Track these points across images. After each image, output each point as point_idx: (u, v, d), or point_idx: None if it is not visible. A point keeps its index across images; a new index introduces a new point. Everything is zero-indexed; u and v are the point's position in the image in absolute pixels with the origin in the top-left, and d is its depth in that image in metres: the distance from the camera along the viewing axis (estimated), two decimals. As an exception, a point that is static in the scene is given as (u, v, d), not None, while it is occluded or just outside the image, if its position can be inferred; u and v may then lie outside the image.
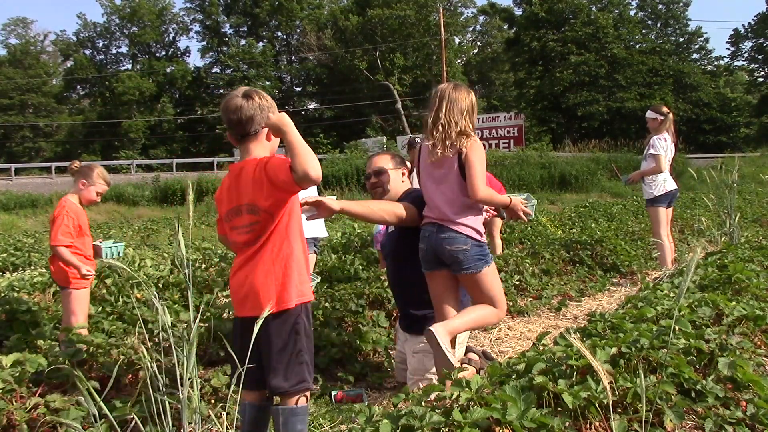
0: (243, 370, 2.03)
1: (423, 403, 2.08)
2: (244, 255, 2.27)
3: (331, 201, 2.69)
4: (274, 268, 2.22)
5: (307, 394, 2.29)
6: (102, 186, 3.82)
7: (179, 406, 2.07)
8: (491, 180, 6.73)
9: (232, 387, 2.03)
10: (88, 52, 48.73)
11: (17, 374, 2.53)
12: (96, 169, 3.83)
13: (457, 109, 2.81)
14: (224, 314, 4.04)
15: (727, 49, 44.94)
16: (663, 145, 5.50)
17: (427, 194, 2.94)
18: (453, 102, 2.82)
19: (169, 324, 2.02)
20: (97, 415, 1.91)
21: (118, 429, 2.18)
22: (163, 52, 49.81)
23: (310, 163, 2.05)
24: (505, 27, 47.33)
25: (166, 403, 2.05)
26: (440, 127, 2.80)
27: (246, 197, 2.24)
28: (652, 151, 5.52)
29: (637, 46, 39.63)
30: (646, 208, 5.97)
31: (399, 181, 3.26)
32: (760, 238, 5.69)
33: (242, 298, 2.27)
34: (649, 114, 5.71)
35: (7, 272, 7.00)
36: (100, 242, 4.01)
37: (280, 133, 2.19)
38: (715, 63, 43.37)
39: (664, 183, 5.57)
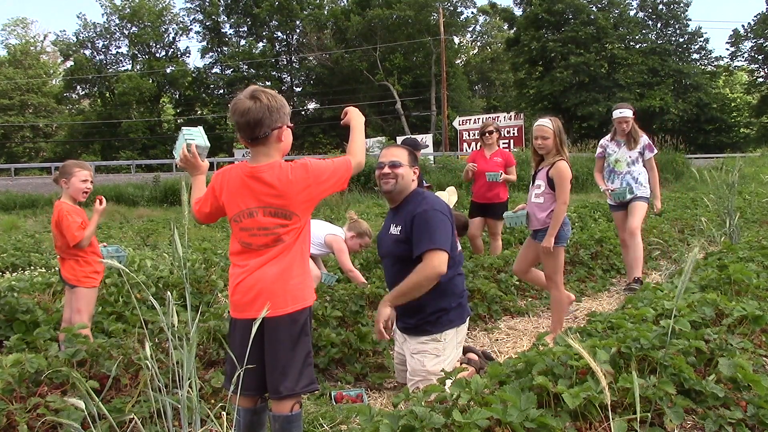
0: (242, 370, 2.02)
1: (423, 403, 2.08)
2: (261, 256, 2.20)
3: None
4: (293, 268, 2.20)
5: (301, 400, 2.28)
6: (81, 173, 3.77)
7: (179, 406, 2.06)
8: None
9: (230, 391, 2.02)
10: (88, 52, 48.55)
11: (17, 374, 2.53)
12: (68, 163, 3.84)
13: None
14: (224, 314, 4.04)
15: (727, 49, 44.80)
16: None
17: None
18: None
19: (176, 323, 2.02)
20: (96, 415, 1.91)
21: (118, 429, 2.18)
22: (163, 53, 49.66)
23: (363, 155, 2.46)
24: (505, 27, 47.33)
25: (167, 403, 2.04)
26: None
27: (267, 200, 2.19)
28: (655, 152, 5.41)
29: (637, 46, 39.60)
30: (635, 205, 5.32)
31: (410, 179, 3.22)
32: (760, 238, 5.67)
33: (252, 298, 2.18)
34: (628, 113, 5.32)
35: (7, 272, 7.00)
36: (105, 246, 4.02)
37: (354, 121, 2.53)
38: (715, 63, 43.31)
39: None
